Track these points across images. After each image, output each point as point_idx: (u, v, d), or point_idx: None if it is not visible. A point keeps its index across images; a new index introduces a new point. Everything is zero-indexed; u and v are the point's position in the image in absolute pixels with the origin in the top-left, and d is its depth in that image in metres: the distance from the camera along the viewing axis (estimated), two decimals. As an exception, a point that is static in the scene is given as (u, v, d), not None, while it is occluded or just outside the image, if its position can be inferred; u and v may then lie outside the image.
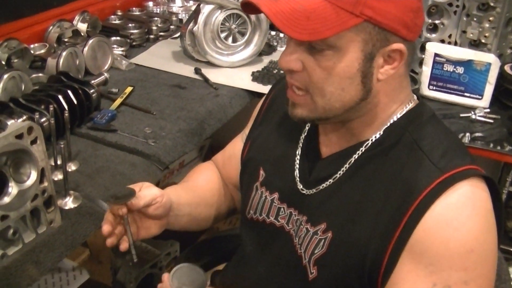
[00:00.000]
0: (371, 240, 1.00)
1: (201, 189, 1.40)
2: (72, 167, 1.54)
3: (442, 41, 2.01)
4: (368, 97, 1.00)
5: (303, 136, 1.17)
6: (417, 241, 0.97)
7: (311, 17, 0.92)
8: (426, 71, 1.95)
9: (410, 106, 1.07)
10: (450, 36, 2.01)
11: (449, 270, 0.95)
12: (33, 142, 1.22)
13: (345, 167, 1.07)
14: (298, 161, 1.15)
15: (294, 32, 0.93)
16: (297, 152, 1.16)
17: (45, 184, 1.27)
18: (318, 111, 1.02)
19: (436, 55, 1.92)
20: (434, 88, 1.96)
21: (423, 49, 1.98)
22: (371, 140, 1.05)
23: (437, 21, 2.00)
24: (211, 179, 1.44)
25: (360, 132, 1.07)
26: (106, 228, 1.13)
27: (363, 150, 1.06)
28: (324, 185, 1.09)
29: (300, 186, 1.13)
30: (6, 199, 1.20)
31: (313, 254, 1.08)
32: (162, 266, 2.10)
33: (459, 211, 0.96)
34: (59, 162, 1.51)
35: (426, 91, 1.98)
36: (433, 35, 2.01)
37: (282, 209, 1.17)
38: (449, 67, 1.92)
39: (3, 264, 1.20)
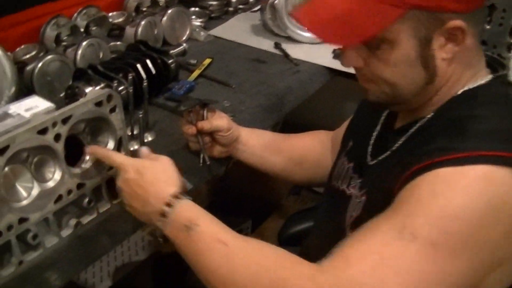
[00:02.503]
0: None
1: (289, 144, 1.46)
2: (148, 137, 1.50)
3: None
4: (435, 79, 0.97)
5: (385, 112, 1.18)
6: (406, 190, 0.90)
7: (350, 19, 0.92)
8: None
9: (478, 83, 1.00)
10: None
11: (424, 220, 0.85)
12: (112, 110, 1.18)
13: (401, 141, 1.05)
14: (374, 136, 1.16)
15: (337, 39, 0.95)
16: (377, 127, 1.17)
17: (122, 153, 1.23)
18: (389, 99, 1.01)
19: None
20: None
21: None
22: (428, 116, 1.02)
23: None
24: (309, 143, 1.48)
25: (422, 108, 1.04)
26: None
27: (418, 126, 1.03)
28: (381, 157, 1.09)
29: (368, 158, 1.13)
30: (83, 167, 1.17)
31: (351, 217, 1.09)
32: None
33: (458, 184, 0.87)
34: (135, 131, 1.47)
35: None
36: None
37: (353, 178, 1.17)
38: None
39: (77, 233, 1.18)
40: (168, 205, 1.03)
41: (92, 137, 1.18)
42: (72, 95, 1.49)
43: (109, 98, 1.16)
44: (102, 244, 1.18)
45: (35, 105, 1.34)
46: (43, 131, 1.05)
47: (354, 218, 1.07)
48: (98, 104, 1.14)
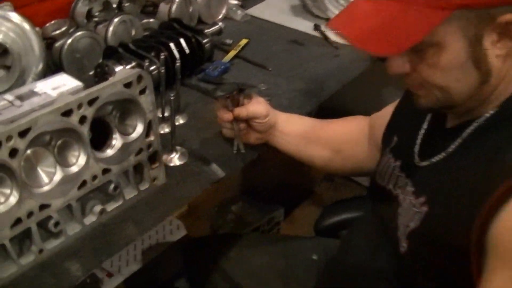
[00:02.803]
0: (462, 220, 0.89)
1: (327, 131, 1.39)
2: (180, 120, 1.43)
3: None
4: (490, 78, 0.90)
5: None
6: (497, 237, 0.82)
7: (394, 28, 0.86)
8: None
9: None
10: None
11: None
12: (142, 92, 1.11)
13: (457, 142, 0.97)
14: (421, 135, 1.08)
15: (382, 49, 0.88)
16: (423, 125, 1.09)
17: (151, 138, 1.16)
18: (440, 103, 0.95)
19: None
20: None
21: None
22: (486, 115, 0.94)
23: None
24: (348, 129, 1.41)
25: (478, 107, 0.95)
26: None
27: (475, 126, 0.95)
28: (435, 158, 1.01)
29: (416, 159, 1.06)
30: (109, 152, 1.10)
31: (407, 227, 1.01)
32: (264, 230, 2.00)
33: None
34: (166, 114, 1.40)
35: None
36: None
37: (400, 178, 1.09)
38: None
39: (101, 220, 1.12)
40: None
41: (120, 119, 1.11)
42: (102, 74, 1.42)
43: (139, 78, 1.09)
44: (127, 233, 1.12)
45: (63, 84, 1.29)
46: (67, 113, 0.99)
47: (411, 229, 0.99)
48: (127, 85, 1.07)
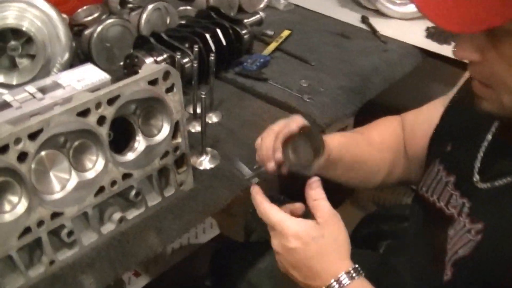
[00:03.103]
0: None
1: (369, 145, 1.18)
2: (213, 118, 1.33)
3: None
4: None
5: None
6: None
7: (471, 4, 0.70)
8: None
9: None
10: None
11: None
12: (169, 90, 1.01)
13: None
14: (484, 148, 0.93)
15: (452, 24, 0.72)
16: (487, 136, 0.93)
17: (179, 140, 1.06)
18: (506, 110, 0.79)
19: None
20: None
21: None
22: None
23: None
24: (388, 137, 1.21)
25: None
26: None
27: None
28: (498, 182, 0.86)
29: (476, 177, 0.91)
30: (131, 155, 1.00)
31: (455, 253, 0.89)
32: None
33: None
34: (198, 110, 1.30)
35: None
36: None
37: (454, 196, 0.95)
38: None
39: (120, 229, 1.02)
40: (339, 282, 0.86)
41: (144, 120, 1.01)
42: (131, 66, 1.33)
43: (166, 75, 0.99)
44: (148, 243, 1.02)
45: (89, 76, 1.21)
46: (84, 113, 0.89)
47: (459, 256, 0.87)
48: (153, 82, 0.97)
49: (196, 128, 1.27)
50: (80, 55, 1.43)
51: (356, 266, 0.88)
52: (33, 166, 0.87)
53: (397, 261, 1.13)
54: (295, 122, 0.99)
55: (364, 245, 1.40)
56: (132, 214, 1.04)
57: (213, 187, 1.14)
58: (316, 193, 0.91)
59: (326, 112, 1.37)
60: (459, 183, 0.94)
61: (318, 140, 0.97)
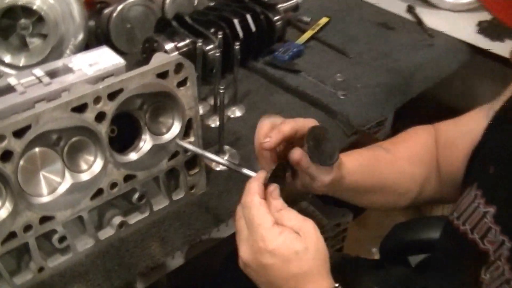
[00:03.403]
0: None
1: (396, 165, 0.99)
2: (236, 112, 1.22)
3: None
4: None
5: None
6: None
7: None
8: None
9: None
10: None
11: None
12: (181, 83, 0.90)
13: None
14: None
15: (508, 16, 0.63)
16: None
17: (191, 139, 0.96)
18: None
19: None
20: None
21: None
22: None
23: None
24: (420, 153, 1.02)
25: None
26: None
27: None
28: None
29: None
30: (134, 156, 0.90)
31: None
32: (328, 237, 1.78)
33: None
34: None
35: None
36: None
37: (493, 231, 0.79)
38: None
39: (120, 234, 0.93)
40: None
41: (152, 116, 0.91)
42: (150, 51, 1.22)
43: (178, 67, 0.88)
44: (150, 252, 0.92)
45: (102, 60, 1.11)
46: (80, 108, 0.79)
47: None
48: (162, 75, 0.87)
49: (217, 122, 1.16)
50: (100, 36, 1.33)
51: (337, 286, 0.74)
52: (20, 165, 0.77)
53: (429, 281, 1.00)
54: (307, 121, 0.83)
55: (393, 258, 1.29)
56: (134, 218, 0.94)
57: (229, 191, 1.04)
58: (278, 202, 0.76)
59: (361, 111, 1.25)
60: (501, 216, 0.79)
61: (331, 146, 0.82)
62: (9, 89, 1.02)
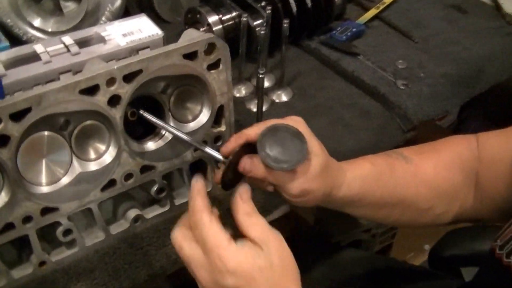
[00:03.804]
0: None
1: (416, 177, 0.85)
2: (282, 96, 1.11)
3: None
4: None
5: None
6: None
7: None
8: None
9: None
10: None
11: None
12: (213, 66, 0.79)
13: None
14: None
15: None
16: None
17: (222, 128, 0.85)
18: None
19: None
20: None
21: None
22: None
23: None
24: (451, 166, 0.87)
25: None
26: None
27: None
28: None
29: None
30: (153, 145, 0.81)
31: None
32: (376, 233, 1.66)
33: None
34: (267, 84, 1.09)
35: None
36: None
37: None
38: None
39: (135, 230, 0.84)
40: None
41: (177, 101, 0.80)
42: (192, 22, 1.12)
43: (210, 48, 0.77)
44: (167, 251, 0.83)
45: (139, 30, 1.01)
46: (90, 91, 0.70)
47: None
48: (190, 56, 0.76)
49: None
50: (143, 1, 1.23)
51: None
52: (21, 150, 0.69)
53: None
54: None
55: (444, 268, 1.16)
56: (152, 212, 0.85)
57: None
58: (249, 206, 0.66)
59: (422, 105, 1.11)
60: None
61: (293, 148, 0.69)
62: (34, 57, 0.94)
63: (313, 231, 1.60)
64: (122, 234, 0.82)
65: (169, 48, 0.74)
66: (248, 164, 0.70)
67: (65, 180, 0.74)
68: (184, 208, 0.84)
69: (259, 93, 0.90)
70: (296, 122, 0.73)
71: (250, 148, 0.70)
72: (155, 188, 0.82)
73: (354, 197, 0.79)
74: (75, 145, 0.73)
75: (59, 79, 0.91)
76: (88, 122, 0.73)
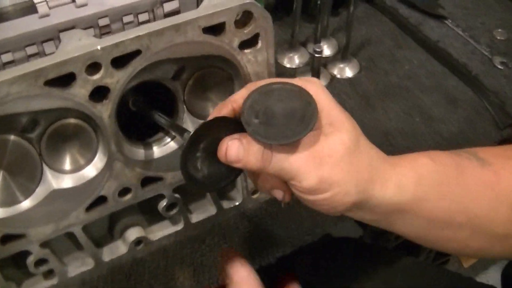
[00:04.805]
0: None
1: (494, 190, 0.58)
2: (345, 71, 0.88)
3: None
4: None
5: None
6: None
7: None
8: None
9: None
10: None
11: None
12: (248, 43, 0.56)
13: None
14: None
15: None
16: None
17: (258, 124, 0.63)
18: None
19: None
20: None
21: None
22: None
23: None
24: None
25: None
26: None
27: None
28: None
29: None
30: (157, 150, 0.59)
31: None
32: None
33: None
34: (328, 52, 0.86)
35: None
36: None
37: None
38: None
39: (135, 254, 0.63)
40: None
41: (194, 89, 0.58)
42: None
43: (245, 18, 0.54)
44: (177, 285, 0.63)
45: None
46: (62, 81, 0.48)
47: None
48: (213, 29, 0.53)
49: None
50: None
51: None
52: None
53: None
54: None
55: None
56: (160, 231, 0.64)
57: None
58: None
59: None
60: None
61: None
62: (30, 8, 0.73)
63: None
64: (118, 262, 0.62)
65: (182, 18, 0.51)
66: (235, 147, 0.46)
67: (32, 200, 0.53)
68: (202, 227, 0.64)
69: (315, 72, 0.67)
70: (311, 83, 0.48)
71: (237, 125, 0.46)
72: (163, 204, 0.61)
73: (404, 205, 0.53)
74: (46, 152, 0.52)
75: (58, 39, 0.70)
76: (65, 121, 0.51)
